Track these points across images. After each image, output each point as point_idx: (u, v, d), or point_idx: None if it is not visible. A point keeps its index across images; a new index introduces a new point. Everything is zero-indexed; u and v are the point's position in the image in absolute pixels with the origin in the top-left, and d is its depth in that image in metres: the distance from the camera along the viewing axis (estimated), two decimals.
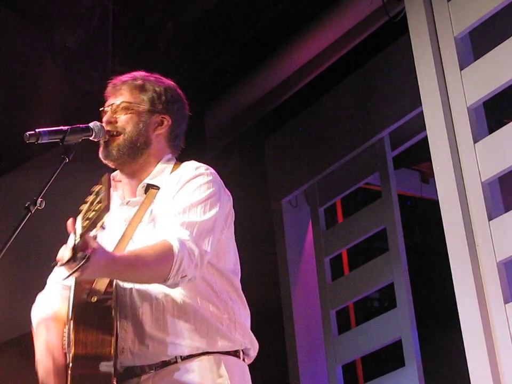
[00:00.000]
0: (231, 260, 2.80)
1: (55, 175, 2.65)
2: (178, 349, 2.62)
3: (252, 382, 2.76)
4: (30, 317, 2.82)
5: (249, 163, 6.17)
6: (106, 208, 2.20)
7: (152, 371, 2.62)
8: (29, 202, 2.57)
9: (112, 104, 2.85)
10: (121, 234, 2.69)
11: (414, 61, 4.43)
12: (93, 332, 2.52)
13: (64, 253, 2.29)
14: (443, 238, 4.17)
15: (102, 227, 2.24)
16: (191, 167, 2.79)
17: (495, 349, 3.89)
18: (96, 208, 2.23)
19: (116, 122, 2.82)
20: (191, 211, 2.63)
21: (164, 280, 2.51)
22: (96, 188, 2.27)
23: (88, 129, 2.77)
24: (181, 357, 2.62)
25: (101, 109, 2.89)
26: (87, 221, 2.24)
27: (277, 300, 5.93)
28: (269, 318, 5.78)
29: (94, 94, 5.49)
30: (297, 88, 5.72)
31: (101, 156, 2.84)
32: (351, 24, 5.14)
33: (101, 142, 2.82)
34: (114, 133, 2.81)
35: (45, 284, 2.91)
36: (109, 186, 2.23)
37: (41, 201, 2.58)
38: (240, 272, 2.84)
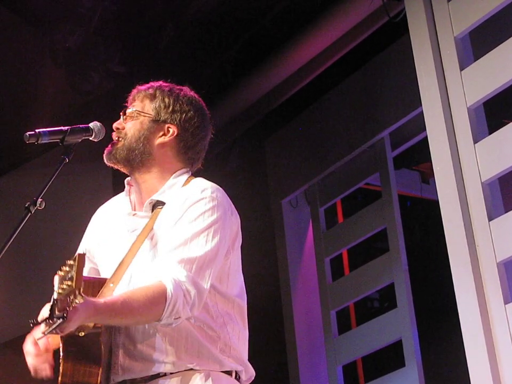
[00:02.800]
0: (236, 283, 2.76)
1: (55, 175, 2.65)
2: (164, 366, 2.60)
3: (252, 382, 2.76)
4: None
5: (249, 163, 6.17)
6: (74, 292, 2.18)
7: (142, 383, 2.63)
8: (29, 203, 2.57)
9: (125, 110, 2.88)
10: (120, 261, 2.66)
11: (414, 61, 4.43)
12: (80, 364, 2.52)
13: (43, 311, 2.33)
14: (443, 238, 4.17)
15: (75, 303, 2.21)
16: (198, 189, 2.73)
17: (495, 349, 3.89)
18: (67, 284, 2.21)
19: (123, 128, 2.83)
20: (193, 242, 2.60)
21: (156, 321, 2.52)
22: (71, 262, 2.22)
23: (88, 129, 2.77)
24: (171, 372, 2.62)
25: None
26: (61, 290, 2.22)
27: (277, 300, 5.92)
28: (269, 318, 5.78)
29: (94, 94, 5.50)
30: (297, 88, 5.72)
31: (104, 158, 2.84)
32: (351, 24, 5.14)
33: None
34: (118, 138, 2.82)
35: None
36: (81, 265, 2.19)
37: (41, 201, 2.58)
38: (245, 294, 2.80)
